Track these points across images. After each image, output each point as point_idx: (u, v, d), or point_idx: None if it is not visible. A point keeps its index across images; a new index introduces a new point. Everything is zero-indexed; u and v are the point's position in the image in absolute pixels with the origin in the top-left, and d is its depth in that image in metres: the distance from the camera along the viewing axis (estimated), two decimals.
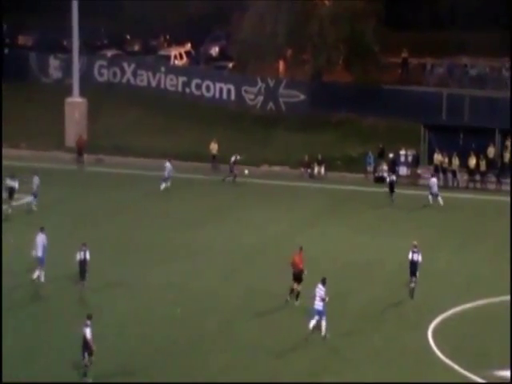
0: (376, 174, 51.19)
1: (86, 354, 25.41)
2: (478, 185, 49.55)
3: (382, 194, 46.64)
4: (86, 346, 25.44)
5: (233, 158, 49.39)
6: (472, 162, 49.50)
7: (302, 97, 60.17)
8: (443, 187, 49.33)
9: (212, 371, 26.64)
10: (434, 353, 27.99)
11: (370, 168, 51.55)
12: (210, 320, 30.36)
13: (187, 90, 63.04)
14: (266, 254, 37.34)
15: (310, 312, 28.78)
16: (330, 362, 27.51)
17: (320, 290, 28.95)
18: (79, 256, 31.90)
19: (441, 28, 62.61)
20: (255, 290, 33.03)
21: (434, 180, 45.75)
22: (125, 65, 64.44)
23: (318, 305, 28.72)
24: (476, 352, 28.13)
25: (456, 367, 26.92)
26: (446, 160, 49.88)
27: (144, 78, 63.94)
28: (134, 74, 64.11)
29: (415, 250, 32.41)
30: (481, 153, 49.61)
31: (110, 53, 66.35)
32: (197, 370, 26.56)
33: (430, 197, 45.16)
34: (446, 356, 27.60)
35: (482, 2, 63.45)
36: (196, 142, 54.81)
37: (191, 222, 41.69)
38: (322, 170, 51.72)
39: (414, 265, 32.23)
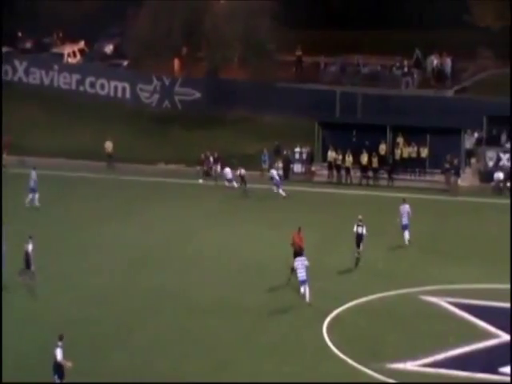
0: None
1: (57, 377, 24.66)
2: (371, 181, 50.51)
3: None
4: (57, 367, 24.63)
5: (238, 172, 47.85)
6: (364, 158, 50.42)
7: (198, 95, 60.23)
8: (337, 184, 50.26)
9: (110, 371, 26.53)
10: (328, 347, 28.41)
11: (265, 165, 51.94)
12: (107, 320, 30.17)
13: (81, 88, 62.32)
14: (164, 253, 37.27)
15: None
16: (227, 359, 27.61)
17: (300, 262, 31.53)
18: (24, 248, 32.56)
19: (334, 27, 63.50)
20: (153, 289, 32.97)
21: (273, 171, 47.13)
22: (16, 62, 63.25)
23: (302, 275, 31.32)
24: (369, 345, 28.67)
25: (349, 361, 27.41)
26: (340, 157, 50.67)
27: (37, 76, 62.92)
28: (27, 72, 63.01)
29: (360, 223, 35.42)
30: (373, 150, 50.59)
31: None
32: (95, 370, 26.35)
33: (274, 187, 46.36)
34: (340, 350, 28.06)
35: (373, 2, 64.69)
36: (90, 140, 54.22)
37: (90, 221, 41.28)
38: (218, 167, 51.86)
39: (359, 237, 35.21)
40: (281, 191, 46.54)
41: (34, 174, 43.30)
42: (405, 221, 38.32)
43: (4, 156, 51.02)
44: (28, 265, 32.67)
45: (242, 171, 47.66)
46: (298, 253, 33.38)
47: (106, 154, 52.33)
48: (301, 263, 31.65)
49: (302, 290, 31.50)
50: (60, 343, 24.92)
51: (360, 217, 35.85)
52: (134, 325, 29.91)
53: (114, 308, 31.25)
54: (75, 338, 28.25)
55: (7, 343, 27.47)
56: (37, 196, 43.19)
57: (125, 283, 33.67)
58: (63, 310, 30.84)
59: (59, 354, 24.78)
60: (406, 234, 38.24)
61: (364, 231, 35.38)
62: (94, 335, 28.91)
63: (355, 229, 35.49)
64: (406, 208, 38.58)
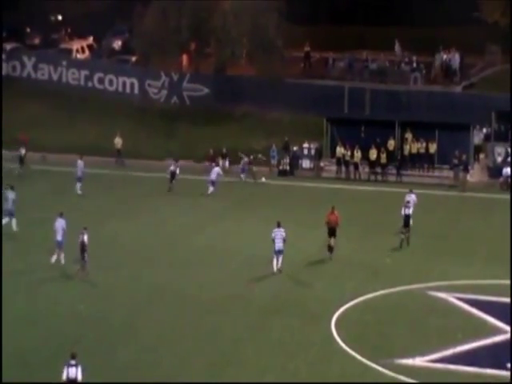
0: (280, 167, 51.72)
1: None
2: (379, 177, 50.48)
3: (287, 186, 47.15)
4: None
5: (172, 167, 47.10)
6: (373, 154, 50.40)
7: (206, 90, 60.28)
8: (345, 180, 50.27)
9: (118, 367, 26.51)
10: (336, 343, 28.39)
11: (273, 161, 52.03)
12: (115, 316, 30.18)
13: (89, 84, 62.42)
14: (172, 249, 37.31)
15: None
16: (233, 355, 27.62)
17: (280, 232, 33.36)
18: (80, 238, 33.05)
19: (343, 23, 63.43)
20: (160, 286, 33.00)
21: (217, 169, 46.64)
22: (25, 58, 63.42)
23: (279, 245, 33.27)
24: (377, 341, 28.67)
25: (358, 356, 27.42)
26: (349, 153, 50.65)
27: (45, 72, 63.06)
28: (35, 68, 63.19)
29: (408, 205, 37.69)
30: (382, 145, 50.55)
31: (9, 46, 65.05)
32: (102, 366, 26.35)
33: (210, 186, 45.90)
34: (348, 346, 28.05)
35: None
36: (99, 136, 54.35)
37: (97, 217, 41.32)
38: (227, 163, 51.93)
39: (407, 217, 37.29)
40: (211, 189, 45.87)
41: (80, 163, 45.13)
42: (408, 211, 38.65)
43: (24, 152, 51.05)
44: (83, 255, 33.16)
45: (177, 169, 47.05)
46: (332, 231, 35.35)
47: (116, 149, 52.41)
48: (279, 234, 33.35)
49: (274, 259, 33.31)
50: (73, 361, 23.46)
51: (407, 199, 38.37)
52: (139, 321, 29.88)
53: (119, 305, 31.23)
54: (80, 334, 28.39)
55: (7, 343, 27.27)
56: (80, 184, 45.01)
57: (130, 280, 33.63)
58: (66, 307, 30.78)
59: (75, 372, 23.14)
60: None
61: (411, 212, 37.37)
62: (100, 332, 28.89)
63: (403, 211, 37.34)
64: (413, 197, 39.66)
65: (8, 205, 37.86)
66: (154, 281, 33.49)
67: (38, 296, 31.78)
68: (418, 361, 27.27)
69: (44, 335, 28.50)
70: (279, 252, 33.49)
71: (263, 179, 48.89)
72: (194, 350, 27.76)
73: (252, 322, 30.12)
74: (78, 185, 45.17)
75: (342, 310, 30.88)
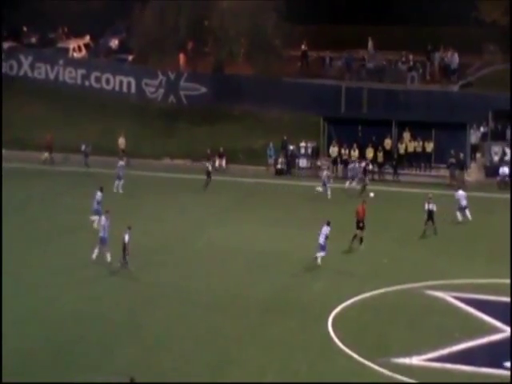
0: (277, 167, 51.70)
1: None
2: (376, 176, 50.50)
3: (284, 186, 47.14)
4: None
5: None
6: (370, 153, 50.42)
7: (204, 90, 60.27)
8: (343, 179, 50.23)
9: (119, 365, 26.51)
10: (334, 342, 28.42)
11: (271, 160, 52.03)
12: (115, 316, 30.18)
13: (86, 83, 62.40)
14: (169, 249, 37.28)
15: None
16: (233, 355, 27.63)
17: (324, 229, 34.74)
18: (123, 237, 33.52)
19: (340, 22, 63.43)
20: (159, 285, 32.99)
21: (325, 172, 46.94)
22: (22, 57, 63.38)
23: (322, 240, 34.69)
24: (374, 340, 28.69)
25: (355, 355, 27.44)
26: (346, 152, 50.66)
27: (42, 71, 63.03)
28: (32, 67, 63.15)
29: (430, 200, 39.17)
30: (379, 145, 50.58)
31: (6, 45, 65.00)
32: (104, 365, 26.39)
33: (322, 187, 46.02)
34: (346, 345, 28.08)
35: None
36: (96, 135, 54.27)
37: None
38: (224, 162, 51.90)
39: (430, 213, 39.01)
40: (320, 189, 45.70)
41: (121, 163, 46.74)
42: (464, 203, 40.95)
43: (46, 154, 52.00)
44: (124, 254, 33.65)
45: (210, 167, 47.40)
46: (359, 222, 37.20)
47: (120, 149, 52.44)
48: (323, 230, 34.82)
49: (319, 253, 34.70)
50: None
51: (430, 195, 39.59)
52: (139, 321, 29.87)
53: (119, 304, 31.23)
54: (80, 334, 28.42)
55: (7, 343, 27.22)
56: (122, 182, 45.76)
57: (130, 279, 33.65)
58: (66, 307, 30.77)
59: None
60: (467, 213, 41.17)
61: (434, 208, 38.90)
62: (101, 332, 28.89)
63: (426, 206, 38.95)
64: (462, 193, 41.39)
65: (94, 204, 39.06)
66: (154, 281, 33.46)
67: (38, 295, 31.76)
68: (415, 360, 27.29)
69: (42, 336, 28.46)
70: (319, 247, 34.82)
71: (371, 194, 44.16)
72: (194, 350, 27.77)
73: (251, 321, 30.11)
74: (116, 183, 45.71)
75: (339, 309, 30.91)
